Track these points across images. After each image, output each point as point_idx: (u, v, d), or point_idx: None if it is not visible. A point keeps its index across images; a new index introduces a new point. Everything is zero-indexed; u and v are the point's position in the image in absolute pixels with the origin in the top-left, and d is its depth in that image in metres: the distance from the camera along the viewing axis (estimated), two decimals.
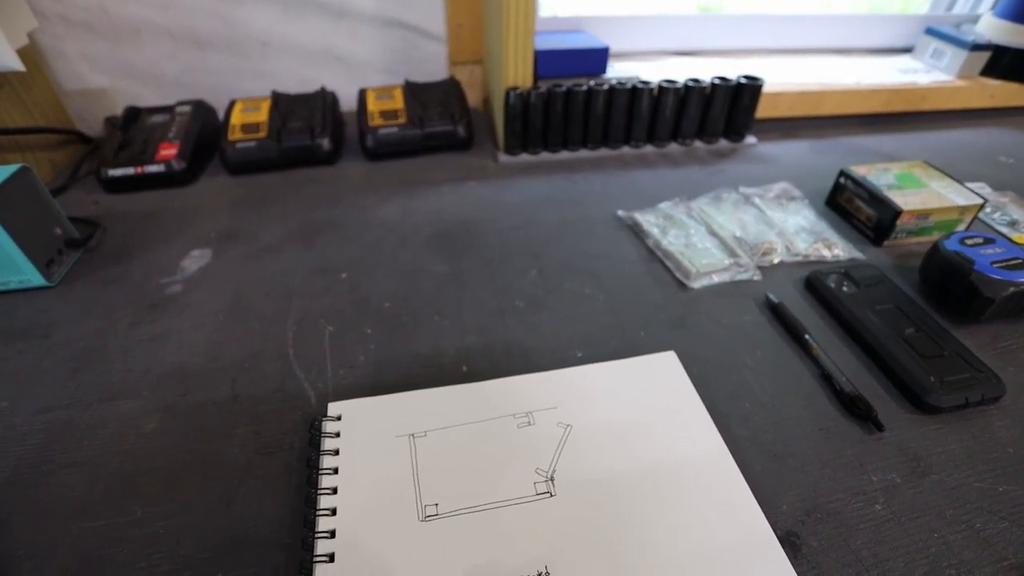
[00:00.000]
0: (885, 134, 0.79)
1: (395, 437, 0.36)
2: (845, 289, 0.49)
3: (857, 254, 0.54)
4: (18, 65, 0.59)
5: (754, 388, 0.42)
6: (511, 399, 0.38)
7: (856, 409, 0.40)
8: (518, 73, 0.65)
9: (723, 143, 0.74)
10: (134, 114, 0.72)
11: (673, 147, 0.73)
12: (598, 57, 0.70)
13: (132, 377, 0.43)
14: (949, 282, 0.47)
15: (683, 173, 0.69)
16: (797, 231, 0.56)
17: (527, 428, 0.36)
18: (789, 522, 0.34)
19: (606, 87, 0.66)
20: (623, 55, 0.86)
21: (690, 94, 0.68)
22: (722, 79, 0.69)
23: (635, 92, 0.67)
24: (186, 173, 0.66)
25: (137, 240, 0.58)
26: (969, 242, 0.48)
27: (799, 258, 0.54)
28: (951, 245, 0.48)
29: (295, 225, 0.60)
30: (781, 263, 0.54)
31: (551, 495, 0.33)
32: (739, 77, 0.69)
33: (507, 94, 0.65)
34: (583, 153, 0.71)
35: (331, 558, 0.30)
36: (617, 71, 0.75)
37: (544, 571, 0.29)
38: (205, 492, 0.35)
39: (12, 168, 0.50)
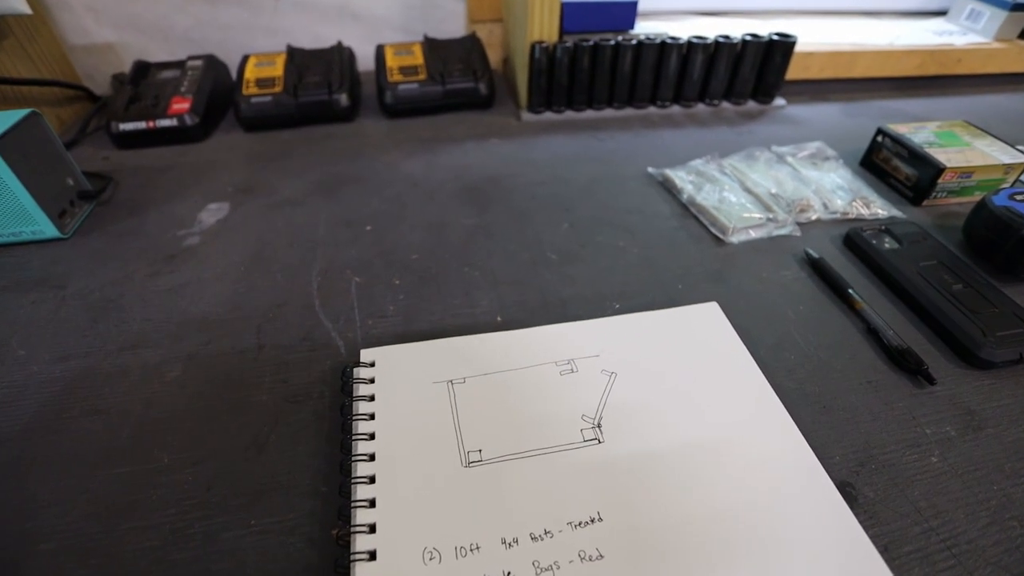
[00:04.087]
0: (918, 98, 0.76)
1: (432, 383, 0.34)
2: (887, 246, 0.47)
3: (896, 212, 0.53)
4: (24, 8, 0.57)
5: (798, 341, 0.40)
6: (551, 347, 0.37)
7: (905, 363, 0.38)
8: (544, 27, 0.62)
9: (751, 104, 0.72)
10: (143, 69, 0.70)
11: (700, 108, 0.71)
12: (626, 11, 0.67)
13: (152, 327, 0.41)
14: (998, 238, 0.46)
15: (711, 133, 0.67)
16: (834, 189, 0.55)
17: (570, 375, 0.35)
18: (843, 472, 0.32)
19: (634, 42, 0.63)
20: (650, 14, 0.83)
21: (720, 51, 0.66)
22: (753, 36, 0.67)
23: (664, 48, 0.65)
24: (199, 128, 0.64)
25: (151, 194, 0.56)
26: (1019, 197, 0.46)
27: (836, 215, 0.52)
28: (1000, 201, 0.47)
29: (315, 179, 0.58)
30: (818, 220, 0.52)
31: (599, 442, 0.31)
32: (771, 34, 0.67)
33: (532, 48, 0.62)
34: (608, 112, 0.69)
35: (372, 503, 0.29)
36: (644, 29, 0.73)
37: (597, 516, 0.28)
38: (233, 440, 0.34)
39: (21, 113, 0.48)
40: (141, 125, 0.62)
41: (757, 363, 0.37)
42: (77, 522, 0.30)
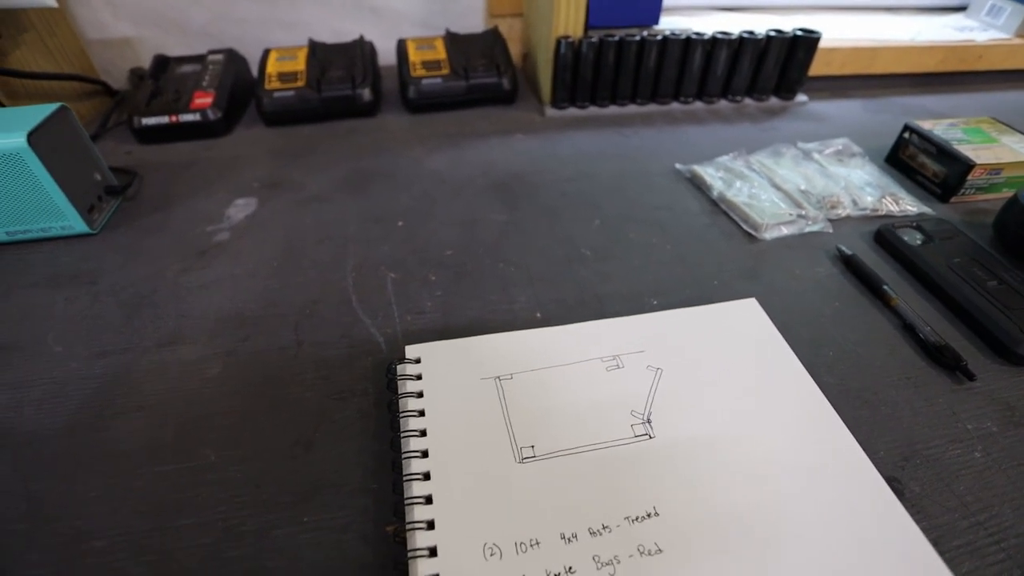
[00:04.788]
0: (939, 94, 0.76)
1: (480, 380, 0.34)
2: (918, 242, 0.47)
3: (926, 209, 0.53)
4: (50, 0, 0.56)
5: (835, 337, 0.40)
6: (595, 343, 0.37)
7: (943, 359, 0.38)
8: (570, 21, 0.62)
9: (774, 100, 0.72)
10: (163, 63, 0.69)
11: (723, 104, 0.71)
12: (651, 6, 0.67)
13: (188, 323, 0.41)
14: None
15: (734, 130, 0.67)
16: (862, 185, 0.55)
17: (616, 371, 0.35)
18: (888, 467, 0.33)
19: (660, 38, 0.63)
20: (672, 9, 0.83)
21: (744, 46, 0.66)
22: (777, 31, 0.66)
23: (688, 44, 0.65)
24: (222, 123, 0.64)
25: (176, 189, 0.56)
26: None
27: (866, 212, 0.52)
28: None
29: (342, 174, 0.57)
30: (848, 217, 0.52)
31: (650, 437, 0.31)
32: (795, 30, 0.67)
33: (558, 43, 0.62)
34: (631, 108, 0.69)
35: (428, 500, 0.29)
36: (666, 24, 0.72)
37: (653, 511, 0.28)
38: (279, 437, 0.34)
39: (51, 107, 0.47)
40: (164, 120, 0.62)
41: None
42: (127, 519, 0.30)
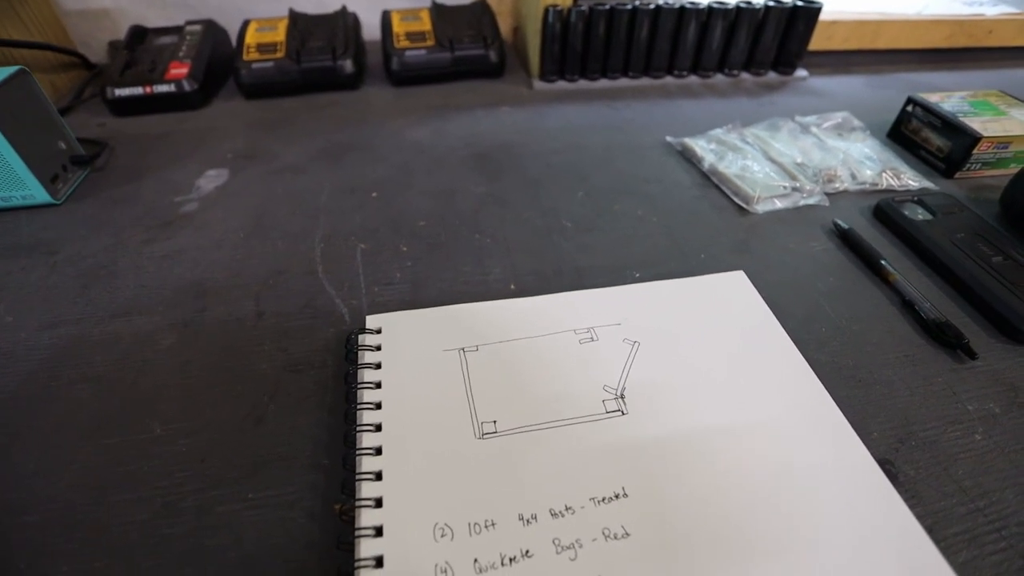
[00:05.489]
0: (946, 71, 0.73)
1: (443, 351, 0.32)
2: (920, 217, 0.45)
3: (928, 184, 0.50)
4: None
5: (829, 313, 0.38)
6: (570, 314, 0.34)
7: (944, 336, 0.36)
8: None
9: (772, 75, 0.69)
10: (140, 34, 0.67)
11: (719, 78, 0.68)
12: None
13: (145, 293, 0.39)
14: None
15: (731, 104, 0.64)
16: (862, 159, 0.52)
17: (590, 344, 0.33)
18: (882, 449, 0.30)
19: (652, 6, 0.61)
20: None
21: (741, 17, 0.63)
22: (777, 1, 0.64)
23: (683, 14, 0.62)
24: (198, 94, 0.61)
25: (147, 160, 0.54)
26: None
27: (865, 186, 0.50)
28: None
29: (319, 146, 0.55)
30: (846, 191, 0.49)
31: (623, 413, 0.29)
32: (794, 0, 0.64)
33: (546, 12, 0.59)
34: (623, 82, 0.66)
35: (378, 476, 0.27)
36: None
37: (622, 492, 0.26)
38: (231, 410, 0.32)
39: (9, 70, 0.45)
40: (138, 91, 0.60)
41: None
42: (64, 493, 0.28)
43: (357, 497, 0.26)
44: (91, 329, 0.37)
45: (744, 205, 0.47)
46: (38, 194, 0.47)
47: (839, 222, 0.45)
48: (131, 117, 0.61)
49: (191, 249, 0.43)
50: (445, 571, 0.23)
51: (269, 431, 0.31)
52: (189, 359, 0.35)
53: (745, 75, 0.69)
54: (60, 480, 0.29)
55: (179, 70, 0.61)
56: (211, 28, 0.67)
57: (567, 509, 0.25)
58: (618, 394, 0.30)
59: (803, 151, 0.52)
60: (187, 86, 0.60)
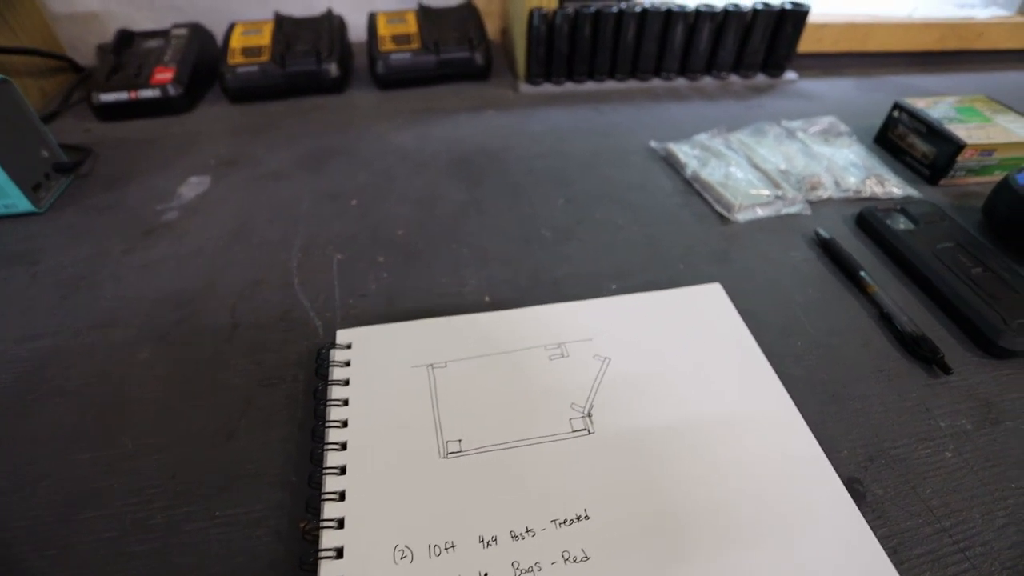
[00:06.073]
0: (937, 74, 0.73)
1: (411, 367, 0.32)
2: (902, 226, 0.44)
3: (912, 191, 0.50)
4: None
5: (806, 326, 0.38)
6: (541, 329, 0.34)
7: (919, 351, 0.36)
8: None
9: (761, 78, 0.69)
10: (127, 38, 0.67)
11: (707, 81, 0.67)
12: None
13: (124, 304, 0.39)
14: (1021, 219, 0.43)
15: (718, 107, 0.63)
16: (846, 166, 0.52)
17: (559, 360, 0.33)
18: (851, 468, 0.30)
19: (639, 9, 0.60)
20: None
21: (729, 20, 0.63)
22: (765, 4, 0.63)
23: (669, 17, 0.61)
24: (183, 99, 0.61)
25: (131, 167, 0.54)
26: None
27: (849, 194, 0.49)
28: (1023, 180, 0.44)
29: (302, 152, 0.55)
30: (829, 199, 0.49)
31: (589, 432, 0.29)
32: (783, 2, 0.63)
33: (531, 14, 0.59)
34: (610, 84, 0.66)
35: (341, 496, 0.27)
36: None
37: (583, 514, 0.26)
38: (202, 425, 0.32)
39: None
40: (123, 96, 0.60)
41: (762, 349, 0.35)
42: (35, 510, 0.28)
43: (320, 518, 0.26)
44: (68, 341, 0.37)
45: (725, 213, 0.46)
46: (20, 203, 0.47)
47: (820, 231, 0.44)
48: (117, 122, 0.61)
49: (170, 259, 0.43)
50: None
51: (240, 447, 0.31)
52: (164, 372, 0.35)
53: (734, 77, 0.68)
54: (33, 496, 0.29)
55: (164, 75, 0.61)
56: (197, 32, 0.67)
57: (527, 531, 0.25)
58: (585, 412, 0.30)
59: (787, 157, 0.52)
60: (172, 91, 0.60)
